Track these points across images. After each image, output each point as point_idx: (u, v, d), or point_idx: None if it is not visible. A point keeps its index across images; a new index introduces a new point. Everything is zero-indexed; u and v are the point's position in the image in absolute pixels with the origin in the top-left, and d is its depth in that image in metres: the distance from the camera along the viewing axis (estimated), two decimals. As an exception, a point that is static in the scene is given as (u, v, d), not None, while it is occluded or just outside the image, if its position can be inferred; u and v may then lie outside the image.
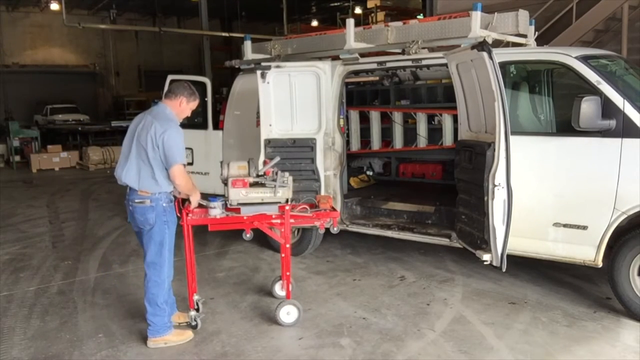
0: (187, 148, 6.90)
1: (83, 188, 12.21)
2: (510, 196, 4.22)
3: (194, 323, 4.32)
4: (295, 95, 5.75)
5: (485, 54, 4.10)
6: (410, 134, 7.29)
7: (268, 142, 5.72)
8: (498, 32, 5.09)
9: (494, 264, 4.32)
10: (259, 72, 5.67)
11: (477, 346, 3.98)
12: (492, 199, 4.22)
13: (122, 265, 6.16)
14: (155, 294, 4.10)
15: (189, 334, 4.20)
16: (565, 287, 5.06)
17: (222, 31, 25.11)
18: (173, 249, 4.16)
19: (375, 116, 7.47)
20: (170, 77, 7.57)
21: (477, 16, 4.89)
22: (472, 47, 4.24)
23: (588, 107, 4.14)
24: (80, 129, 20.11)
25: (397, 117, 7.32)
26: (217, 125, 6.96)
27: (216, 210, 4.19)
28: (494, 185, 4.19)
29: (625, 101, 4.24)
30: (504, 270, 4.33)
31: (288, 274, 4.44)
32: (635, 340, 4.02)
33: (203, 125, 6.97)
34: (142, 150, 3.90)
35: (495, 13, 5.12)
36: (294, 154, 5.67)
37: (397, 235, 5.61)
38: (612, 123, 4.21)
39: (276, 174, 4.28)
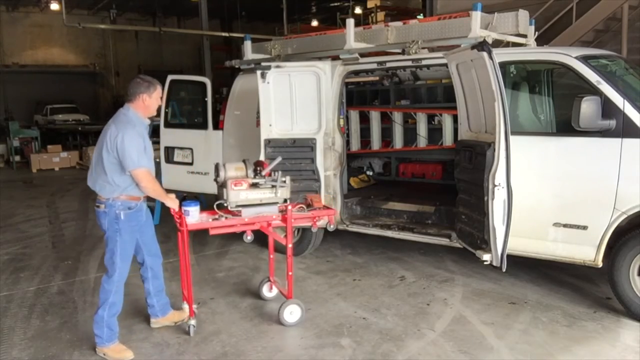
0: (187, 148, 7.04)
1: (83, 188, 12.16)
2: (510, 196, 4.22)
3: (187, 329, 4.21)
4: (295, 95, 5.76)
5: (485, 54, 4.10)
6: (410, 134, 7.29)
7: (268, 142, 5.72)
8: (498, 32, 5.09)
9: (494, 264, 4.32)
10: (259, 72, 5.67)
11: (477, 346, 3.98)
12: (492, 199, 4.22)
13: (122, 265, 6.14)
14: (101, 299, 3.92)
15: (128, 355, 3.92)
16: (565, 287, 5.06)
17: (222, 31, 25.09)
18: (128, 258, 3.98)
19: (375, 116, 7.47)
20: (170, 77, 7.57)
21: (477, 16, 4.89)
22: (472, 47, 4.24)
23: (588, 107, 4.14)
24: (80, 129, 20.09)
25: (397, 117, 7.32)
26: (217, 125, 6.95)
27: (192, 218, 4.05)
28: (494, 185, 4.19)
29: (625, 101, 4.24)
30: (504, 270, 4.33)
31: (290, 273, 4.40)
32: (635, 340, 4.02)
33: (203, 125, 6.96)
34: (100, 153, 3.86)
35: (495, 13, 5.12)
36: (294, 154, 5.67)
37: (397, 235, 5.61)
38: (612, 123, 4.21)
39: (275, 174, 4.27)
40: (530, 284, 5.18)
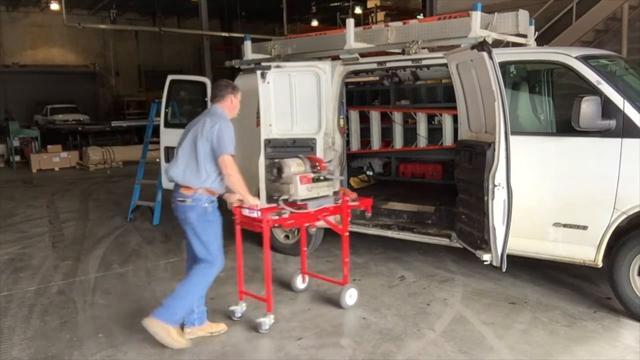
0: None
1: (83, 188, 12.21)
2: (510, 196, 4.22)
3: (261, 326, 4.22)
4: (295, 96, 5.76)
5: (485, 54, 4.10)
6: (410, 134, 7.29)
7: (268, 142, 5.72)
8: (498, 32, 5.10)
9: (494, 264, 4.32)
10: (259, 72, 5.68)
11: (477, 346, 3.98)
12: (492, 199, 4.22)
13: (122, 265, 6.16)
14: (196, 283, 4.03)
15: (184, 342, 4.00)
16: (565, 287, 5.06)
17: (222, 31, 25.11)
18: (221, 245, 4.12)
19: (375, 116, 7.47)
20: (170, 77, 7.56)
21: (477, 16, 4.90)
22: (472, 47, 4.24)
23: (588, 107, 4.14)
24: (80, 129, 20.11)
25: (397, 117, 7.32)
26: (217, 125, 6.94)
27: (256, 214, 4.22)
28: (494, 185, 4.19)
29: (625, 101, 4.24)
30: (504, 270, 4.33)
31: (347, 260, 4.72)
32: (635, 340, 4.02)
33: (203, 125, 6.95)
34: (193, 144, 3.98)
35: (495, 13, 5.12)
36: (294, 154, 5.65)
37: (397, 235, 5.61)
38: (612, 123, 4.21)
39: (329, 168, 4.53)
40: (530, 284, 5.18)
